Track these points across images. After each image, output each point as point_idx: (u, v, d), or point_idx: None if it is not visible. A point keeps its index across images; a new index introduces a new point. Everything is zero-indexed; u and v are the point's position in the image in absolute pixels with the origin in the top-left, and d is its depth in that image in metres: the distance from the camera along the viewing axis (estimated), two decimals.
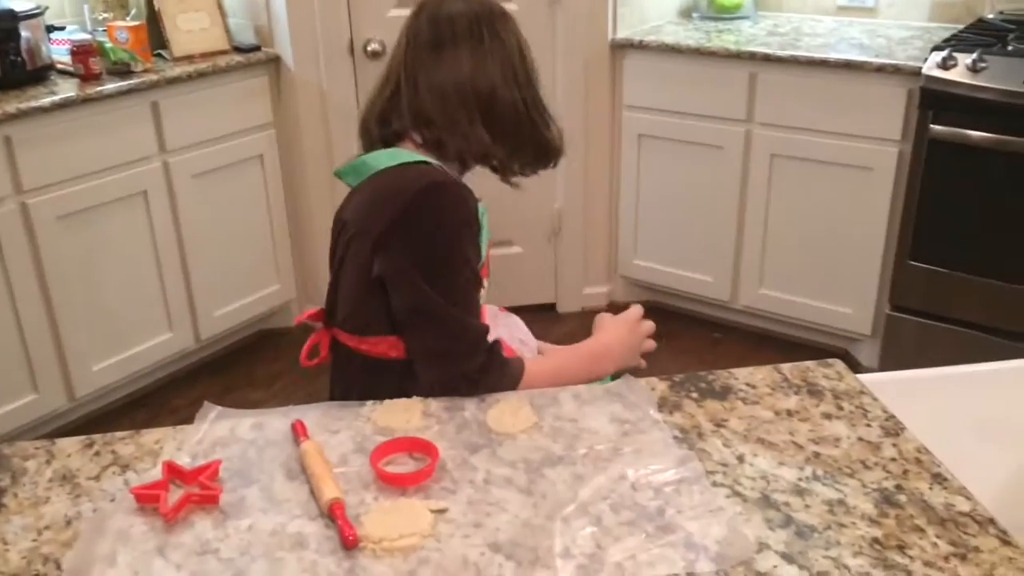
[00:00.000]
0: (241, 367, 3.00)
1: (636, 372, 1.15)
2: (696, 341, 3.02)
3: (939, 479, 0.91)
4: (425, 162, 1.23)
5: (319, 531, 0.85)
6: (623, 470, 0.93)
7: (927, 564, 0.79)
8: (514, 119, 1.26)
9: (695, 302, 3.12)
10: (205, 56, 2.77)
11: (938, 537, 0.83)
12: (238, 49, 2.84)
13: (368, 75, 2.88)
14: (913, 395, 1.13)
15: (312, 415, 1.02)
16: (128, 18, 2.79)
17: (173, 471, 0.92)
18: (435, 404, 1.06)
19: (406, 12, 2.75)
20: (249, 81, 2.83)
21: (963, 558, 0.80)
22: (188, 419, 1.03)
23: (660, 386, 1.08)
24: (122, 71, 2.56)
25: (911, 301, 2.67)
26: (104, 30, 2.65)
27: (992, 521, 0.84)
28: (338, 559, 0.82)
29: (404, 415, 1.02)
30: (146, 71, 2.59)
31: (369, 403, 1.05)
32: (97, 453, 0.98)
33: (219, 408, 1.04)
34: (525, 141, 1.29)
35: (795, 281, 2.87)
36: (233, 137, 2.81)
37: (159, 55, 2.74)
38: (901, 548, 0.81)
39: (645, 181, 3.05)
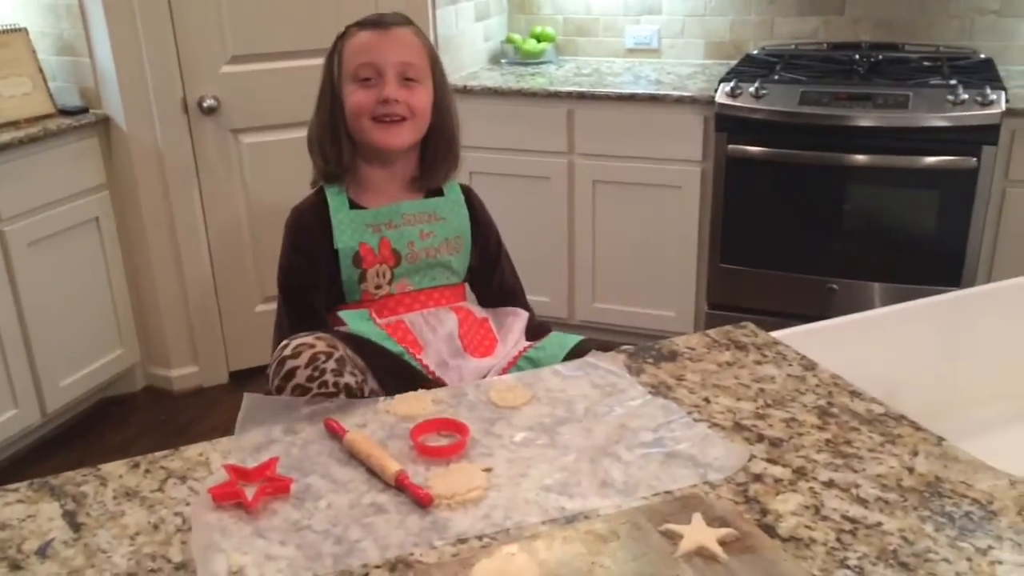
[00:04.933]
0: (91, 438, 2.90)
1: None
2: None
3: (856, 394, 1.17)
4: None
5: (392, 499, 0.97)
6: (620, 421, 1.11)
7: (871, 450, 1.04)
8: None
9: None
10: (30, 121, 2.70)
11: (870, 432, 1.08)
12: (64, 112, 2.80)
13: (204, 131, 2.92)
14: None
15: (335, 415, 1.13)
16: None
17: (237, 472, 1.00)
18: (440, 392, 1.20)
19: (239, 68, 2.89)
20: (79, 144, 2.79)
21: (893, 443, 1.05)
22: None
23: (620, 357, 1.28)
24: None
25: (725, 299, 3.06)
26: None
27: (904, 416, 1.11)
28: (420, 515, 0.94)
29: (418, 404, 1.16)
30: None
31: (381, 399, 1.18)
32: (147, 471, 1.03)
33: (262, 396, 1.13)
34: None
35: (624, 292, 3.19)
36: (67, 201, 2.76)
37: None
38: (848, 443, 1.06)
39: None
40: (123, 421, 3.00)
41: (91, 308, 2.89)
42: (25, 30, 2.77)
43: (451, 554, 0.88)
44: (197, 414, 3.00)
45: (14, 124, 2.67)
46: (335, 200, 1.54)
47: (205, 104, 2.88)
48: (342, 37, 1.56)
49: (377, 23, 1.54)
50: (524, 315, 1.64)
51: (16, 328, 2.63)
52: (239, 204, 3.03)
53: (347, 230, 1.52)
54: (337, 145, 1.54)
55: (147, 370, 3.16)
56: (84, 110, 2.82)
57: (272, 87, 2.94)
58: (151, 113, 2.84)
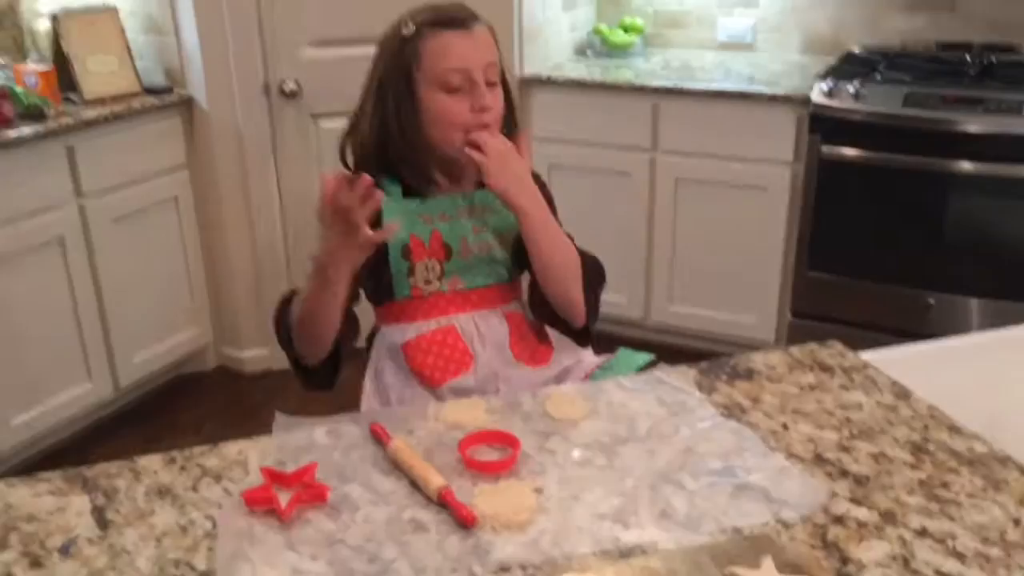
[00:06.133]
0: (164, 414, 2.92)
1: None
2: None
3: (955, 429, 1.05)
4: None
5: (434, 516, 0.90)
6: (687, 444, 1.02)
7: (970, 496, 0.93)
8: None
9: (610, 323, 3.26)
10: (116, 99, 2.72)
11: (971, 474, 0.96)
12: (148, 91, 2.81)
13: (284, 115, 2.90)
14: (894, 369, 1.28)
15: (381, 420, 1.07)
16: (29, 62, 2.72)
17: (273, 476, 0.94)
18: (495, 401, 1.12)
19: (320, 52, 2.86)
20: (162, 123, 2.80)
21: (996, 489, 0.94)
22: None
23: (690, 372, 1.18)
24: (35, 115, 2.48)
25: (811, 308, 2.91)
26: (10, 75, 2.57)
27: (1010, 458, 0.99)
28: (461, 537, 0.87)
29: (470, 412, 1.09)
30: (60, 115, 2.53)
31: (432, 405, 1.11)
32: (183, 468, 0.99)
33: (292, 418, 1.07)
34: None
35: (702, 296, 3.06)
36: (147, 179, 2.77)
37: (67, 99, 2.68)
38: (945, 486, 0.94)
39: (559, 209, 3.18)
40: (195, 400, 3.02)
41: (167, 286, 2.91)
42: (115, 9, 2.80)
43: None
44: (266, 397, 2.99)
45: (100, 101, 2.69)
46: (387, 187, 1.44)
47: (286, 88, 2.86)
48: (417, 36, 1.41)
49: (459, 22, 1.40)
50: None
51: (93, 303, 2.66)
52: (315, 189, 2.99)
53: (396, 220, 1.41)
54: (413, 152, 1.42)
55: (219, 350, 3.17)
56: (168, 89, 2.83)
57: (353, 73, 2.87)
58: (233, 95, 2.84)
